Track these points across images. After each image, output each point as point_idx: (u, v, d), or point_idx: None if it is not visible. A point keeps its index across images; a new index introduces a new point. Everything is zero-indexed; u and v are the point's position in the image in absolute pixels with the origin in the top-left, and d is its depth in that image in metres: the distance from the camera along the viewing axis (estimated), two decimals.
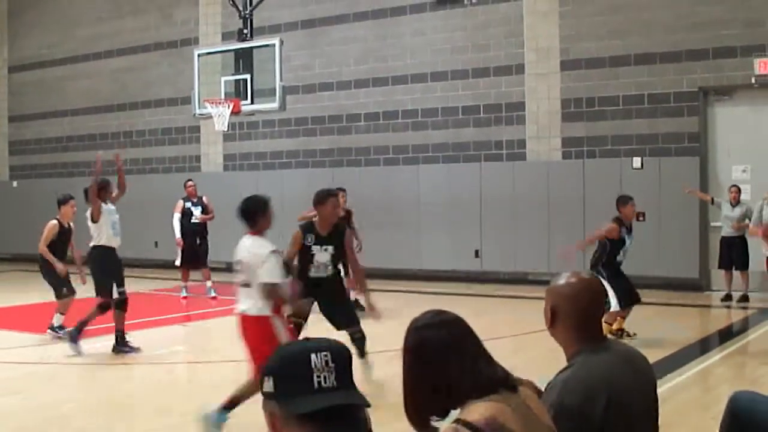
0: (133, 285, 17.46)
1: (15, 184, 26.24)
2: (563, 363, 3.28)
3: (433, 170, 18.62)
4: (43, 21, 25.52)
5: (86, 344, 11.91)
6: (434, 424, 2.75)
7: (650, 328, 11.72)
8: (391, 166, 19.19)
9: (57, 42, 25.10)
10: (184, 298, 16.30)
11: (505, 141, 17.96)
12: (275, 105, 15.74)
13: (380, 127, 19.35)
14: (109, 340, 12.01)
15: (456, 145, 18.46)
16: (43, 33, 25.50)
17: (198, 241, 16.39)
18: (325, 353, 2.01)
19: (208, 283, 16.34)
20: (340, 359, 2.02)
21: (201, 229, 16.47)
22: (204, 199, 16.65)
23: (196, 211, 16.48)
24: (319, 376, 1.98)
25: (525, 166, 17.66)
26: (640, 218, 16.23)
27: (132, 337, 11.36)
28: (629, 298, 11.21)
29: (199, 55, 17.10)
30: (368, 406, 2.02)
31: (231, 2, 17.03)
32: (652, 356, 3.52)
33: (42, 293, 16.25)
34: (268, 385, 2.02)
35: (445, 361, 2.67)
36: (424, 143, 18.83)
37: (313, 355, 2.00)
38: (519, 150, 17.84)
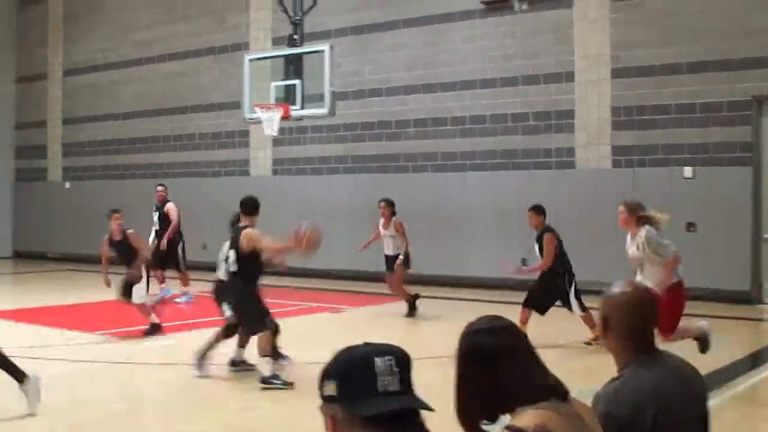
0: (173, 289, 17.65)
1: (68, 185, 26.61)
2: (605, 377, 3.26)
3: (480, 177, 18.57)
4: (97, 26, 25.87)
5: (132, 345, 12.06)
6: (484, 427, 2.74)
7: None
8: (438, 173, 19.17)
9: (111, 46, 25.44)
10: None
11: (554, 149, 17.86)
12: (325, 110, 15.79)
13: (428, 133, 19.35)
14: (156, 340, 12.17)
15: (504, 153, 18.40)
16: (98, 37, 25.85)
17: (165, 246, 16.57)
18: (389, 357, 2.01)
19: (164, 287, 16.71)
20: (403, 364, 2.03)
21: (163, 234, 16.67)
22: (167, 206, 16.89)
23: (155, 216, 16.92)
24: (383, 380, 1.99)
25: (574, 174, 17.55)
26: (691, 229, 16.07)
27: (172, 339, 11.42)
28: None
29: (249, 60, 17.21)
30: (432, 410, 2.03)
31: (282, 8, 17.12)
32: (700, 370, 3.48)
33: (93, 292, 16.50)
34: (330, 388, 2.02)
35: (497, 367, 2.67)
36: (472, 150, 18.79)
37: (377, 359, 2.00)
38: (568, 158, 17.73)
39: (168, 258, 16.60)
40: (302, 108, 16.19)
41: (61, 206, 26.22)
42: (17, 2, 28.21)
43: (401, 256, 14.32)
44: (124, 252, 12.81)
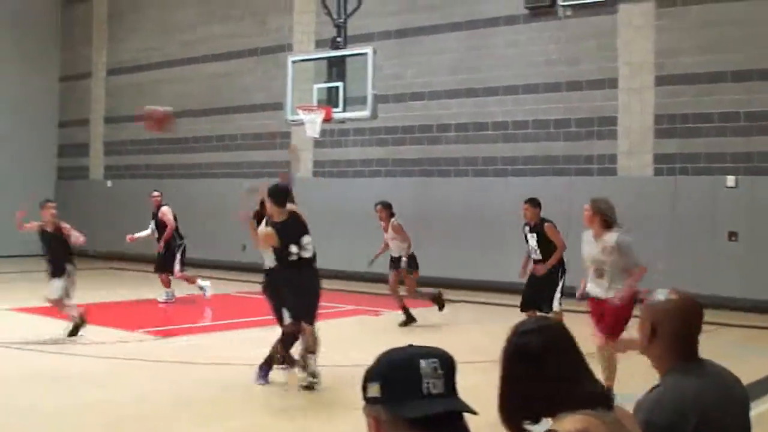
0: (221, 287, 17.77)
1: (109, 183, 26.87)
2: (643, 384, 3.24)
3: (521, 183, 18.48)
4: (141, 25, 26.11)
5: (171, 342, 12.16)
6: (527, 427, 2.74)
7: (740, 351, 11.45)
8: (479, 178, 19.14)
9: (154, 46, 25.67)
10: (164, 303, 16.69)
11: (596, 156, 17.76)
12: (367, 113, 15.82)
13: (470, 138, 19.31)
14: (194, 339, 12.26)
15: (546, 159, 18.33)
16: (141, 37, 26.09)
17: (163, 250, 16.67)
18: (433, 360, 2.02)
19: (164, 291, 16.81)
20: (447, 366, 2.03)
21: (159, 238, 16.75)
22: (161, 210, 16.89)
23: (152, 224, 16.96)
24: (428, 383, 1.98)
25: (616, 181, 17.43)
26: (732, 238, 15.92)
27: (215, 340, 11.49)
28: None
29: (292, 62, 17.29)
30: (476, 413, 2.03)
31: (325, 11, 17.20)
32: (742, 379, 3.45)
33: (134, 290, 16.65)
34: (374, 389, 2.03)
35: (542, 368, 2.67)
36: (513, 155, 18.74)
37: (422, 361, 2.01)
38: (610, 165, 17.63)
39: (169, 261, 16.66)
40: (344, 110, 16.24)
41: (103, 204, 26.49)
42: (62, 1, 28.54)
43: (404, 259, 13.80)
44: (53, 244, 12.28)
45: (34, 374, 9.90)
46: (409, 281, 13.98)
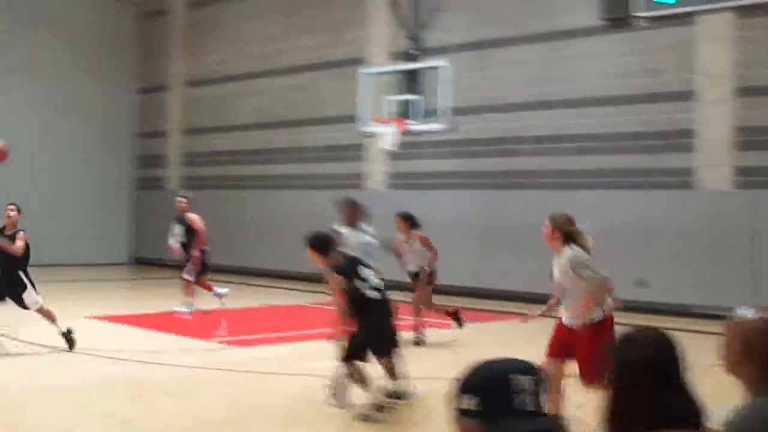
0: (296, 298, 17.87)
1: (189, 194, 27.20)
2: (726, 401, 3.17)
3: (596, 196, 18.28)
4: (218, 39, 26.46)
5: (250, 352, 12.24)
6: None
7: None
8: (553, 191, 18.96)
9: (230, 59, 25.99)
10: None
11: (673, 169, 17.51)
12: (442, 126, 15.80)
13: (545, 150, 19.16)
14: (272, 350, 12.31)
15: (622, 172, 18.11)
16: (218, 50, 26.44)
17: (198, 256, 16.49)
18: (529, 375, 2.00)
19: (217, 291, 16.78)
20: (541, 383, 2.01)
21: (190, 246, 16.52)
22: (190, 216, 16.74)
23: (176, 228, 16.78)
24: (522, 398, 1.97)
25: (693, 195, 17.17)
26: None
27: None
28: None
29: (366, 75, 17.36)
30: None
31: (400, 24, 17.25)
32: None
33: (209, 300, 16.81)
34: (468, 402, 2.01)
35: (642, 380, 2.63)
36: (588, 168, 18.54)
37: (519, 377, 1.99)
38: (687, 178, 17.36)
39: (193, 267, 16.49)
40: (419, 123, 16.24)
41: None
42: (140, 14, 29.03)
43: (426, 269, 13.15)
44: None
45: (115, 382, 10.06)
46: (424, 294, 13.34)
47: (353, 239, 11.74)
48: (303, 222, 19.60)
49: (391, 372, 9.01)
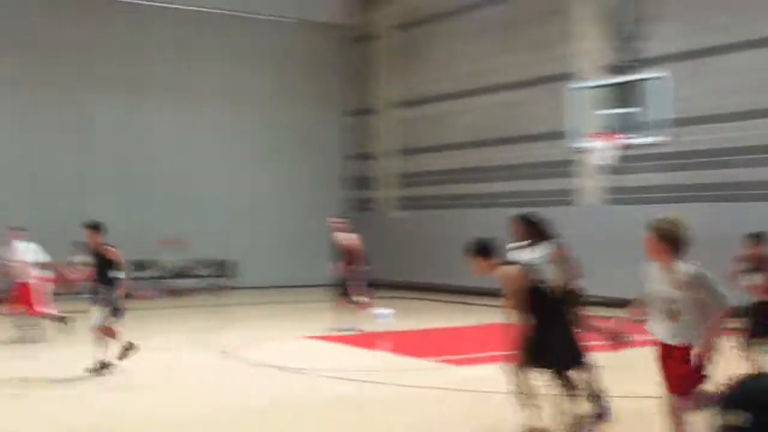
0: (480, 315, 17.74)
1: (405, 215, 27.59)
2: None
3: None
4: (428, 59, 26.80)
5: (463, 370, 12.21)
6: None
7: None
8: None
9: (442, 78, 26.25)
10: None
11: None
12: (661, 138, 15.35)
13: (765, 161, 18.29)
14: (489, 368, 12.28)
15: None
16: (429, 70, 26.77)
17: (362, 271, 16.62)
18: None
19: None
20: None
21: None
22: (347, 237, 16.74)
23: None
24: None
25: None
26: None
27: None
28: None
29: (577, 90, 17.14)
30: None
31: (613, 38, 16.93)
32: None
33: (425, 319, 16.93)
34: (737, 418, 1.93)
35: None
36: None
37: None
38: None
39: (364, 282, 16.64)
40: (636, 136, 15.85)
41: (400, 236, 27.04)
42: (348, 38, 29.68)
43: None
44: None
45: (333, 399, 10.33)
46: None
47: (518, 257, 10.69)
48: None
49: (574, 387, 8.40)
